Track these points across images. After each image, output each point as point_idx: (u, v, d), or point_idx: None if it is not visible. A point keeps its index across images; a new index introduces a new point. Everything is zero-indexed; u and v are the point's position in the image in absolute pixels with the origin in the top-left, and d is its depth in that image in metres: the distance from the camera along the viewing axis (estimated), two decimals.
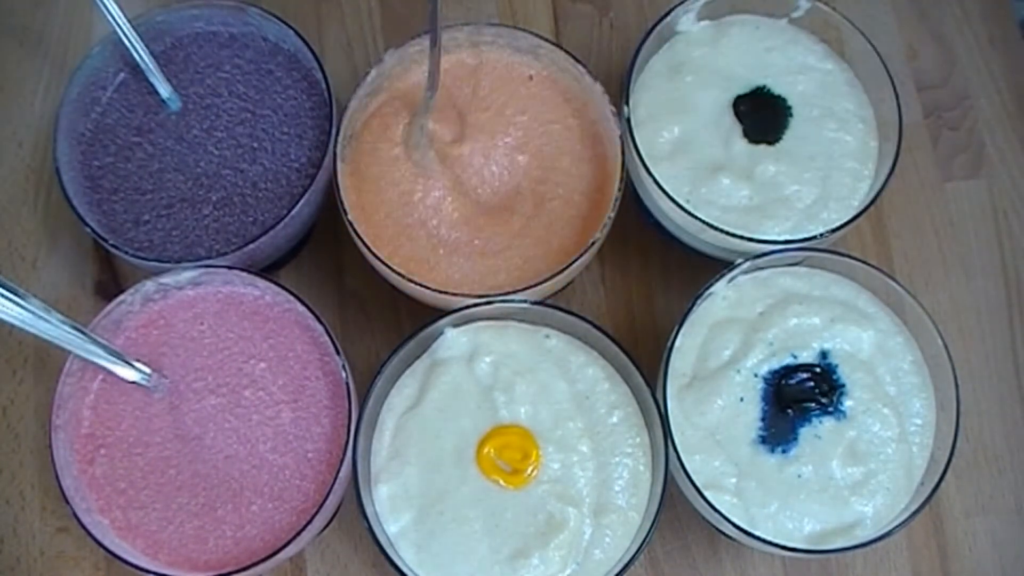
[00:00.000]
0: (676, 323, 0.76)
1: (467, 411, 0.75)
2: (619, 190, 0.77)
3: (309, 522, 0.71)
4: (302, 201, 0.78)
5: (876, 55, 0.82)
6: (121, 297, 0.76)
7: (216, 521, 0.74)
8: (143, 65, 0.82)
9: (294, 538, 0.71)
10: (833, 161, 0.82)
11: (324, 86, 0.83)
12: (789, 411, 0.75)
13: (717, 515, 0.71)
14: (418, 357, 0.78)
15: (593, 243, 0.76)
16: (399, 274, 0.76)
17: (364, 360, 0.87)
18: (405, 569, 0.71)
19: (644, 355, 0.76)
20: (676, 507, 0.83)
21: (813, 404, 0.75)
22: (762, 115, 0.83)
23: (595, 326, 0.76)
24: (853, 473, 0.73)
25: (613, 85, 0.80)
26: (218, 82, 0.85)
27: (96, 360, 0.71)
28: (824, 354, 0.76)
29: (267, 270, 0.86)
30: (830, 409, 0.75)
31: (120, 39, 0.81)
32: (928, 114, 0.96)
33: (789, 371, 0.75)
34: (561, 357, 0.77)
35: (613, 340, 0.75)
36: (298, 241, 0.86)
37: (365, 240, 0.77)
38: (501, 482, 0.73)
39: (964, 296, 0.91)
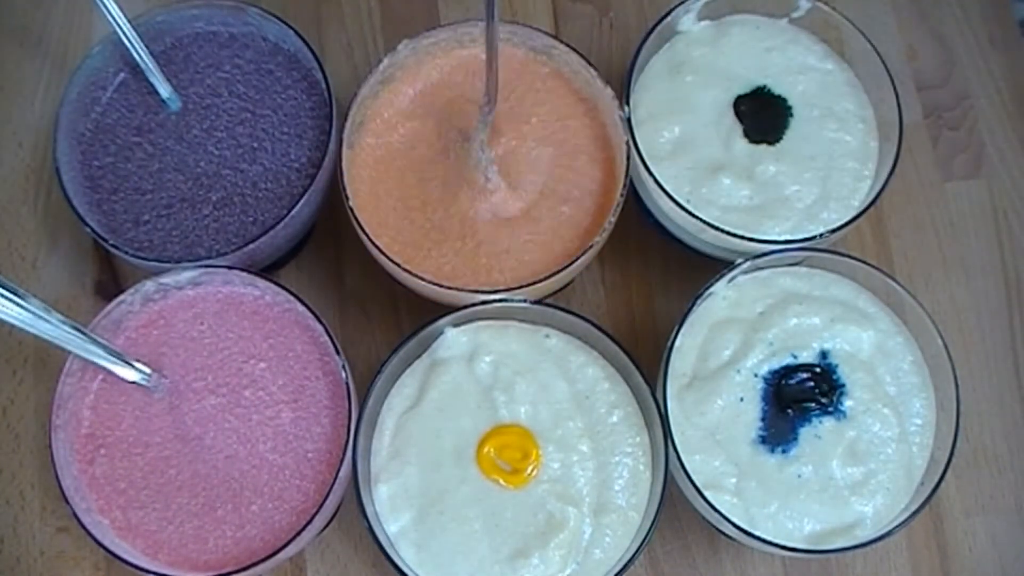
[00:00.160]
0: (676, 323, 0.76)
1: (467, 411, 0.75)
2: (622, 195, 0.77)
3: (309, 522, 0.71)
4: (302, 201, 0.78)
5: (876, 55, 0.82)
6: (121, 297, 0.76)
7: (216, 521, 0.74)
8: (143, 65, 0.82)
9: (294, 538, 0.71)
10: (833, 161, 0.82)
11: (324, 86, 0.83)
12: (789, 411, 0.75)
13: (717, 515, 0.71)
14: (418, 357, 0.78)
15: (592, 246, 0.76)
16: (396, 263, 0.76)
17: (364, 360, 0.87)
18: (405, 569, 0.71)
19: (644, 355, 0.76)
20: (676, 507, 0.83)
21: (813, 404, 0.75)
22: (762, 115, 0.83)
23: (595, 326, 0.76)
24: (853, 473, 0.73)
25: (613, 85, 0.81)
26: (218, 82, 0.85)
27: (96, 360, 0.71)
28: (824, 354, 0.76)
29: (267, 270, 0.86)
30: (830, 409, 0.75)
31: (120, 39, 0.81)
32: (928, 114, 0.96)
33: (789, 371, 0.75)
34: (561, 357, 0.77)
35: (613, 340, 0.75)
36: (298, 241, 0.86)
37: (365, 228, 0.77)
38: (501, 482, 0.73)
39: (964, 296, 0.91)
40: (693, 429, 0.75)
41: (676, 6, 0.84)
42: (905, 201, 0.94)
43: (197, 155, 0.83)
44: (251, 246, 0.77)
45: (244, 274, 0.77)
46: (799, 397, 0.75)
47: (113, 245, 0.79)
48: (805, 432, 0.74)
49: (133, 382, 0.74)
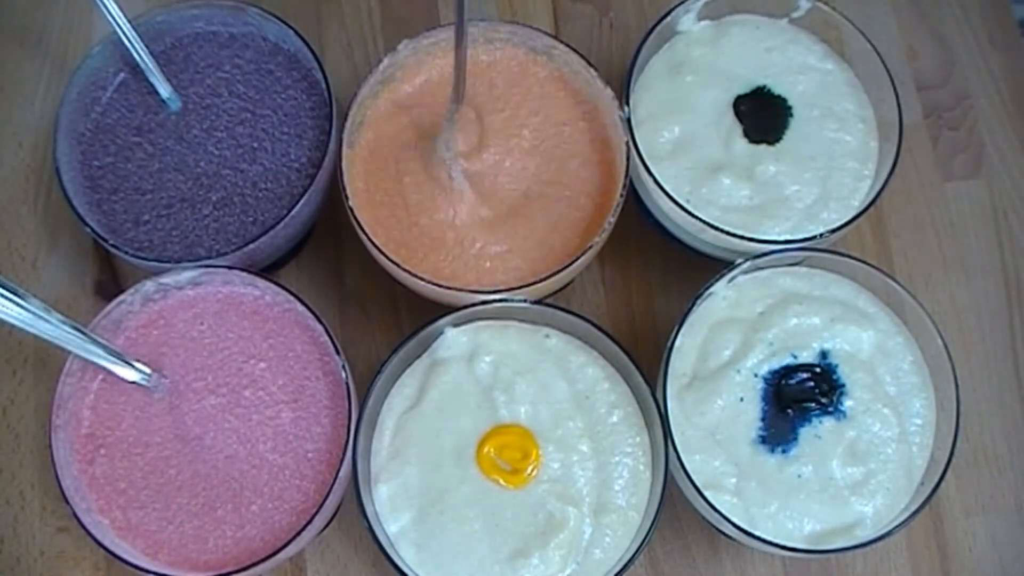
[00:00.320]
0: (676, 323, 0.76)
1: (467, 411, 0.75)
2: (621, 195, 0.77)
3: (309, 522, 0.71)
4: (302, 201, 0.78)
5: (876, 55, 0.82)
6: (121, 297, 0.76)
7: (216, 521, 0.74)
8: (143, 65, 0.82)
9: (294, 538, 0.71)
10: (833, 161, 0.82)
11: (324, 86, 0.83)
12: (789, 411, 0.75)
13: (717, 515, 0.71)
14: (418, 357, 0.78)
15: (592, 246, 0.76)
16: (395, 263, 0.76)
17: (364, 360, 0.87)
18: (405, 569, 0.71)
19: (644, 355, 0.76)
20: (676, 507, 0.83)
21: (813, 404, 0.75)
22: (762, 115, 0.83)
23: (595, 326, 0.76)
24: (853, 473, 0.73)
25: (613, 85, 0.81)
26: (218, 82, 0.85)
27: (96, 360, 0.71)
28: (824, 354, 0.76)
29: (267, 270, 0.86)
30: (830, 409, 0.75)
31: (120, 39, 0.81)
32: (928, 114, 0.96)
33: (789, 371, 0.75)
34: (561, 357, 0.77)
35: (613, 340, 0.75)
36: (298, 241, 0.86)
37: (365, 228, 0.77)
38: (501, 482, 0.73)
39: (964, 296, 0.91)
40: (693, 429, 0.75)
41: (676, 6, 0.84)
42: (905, 201, 0.94)
43: (197, 155, 0.83)
44: (251, 246, 0.77)
45: (244, 274, 0.77)
46: (799, 397, 0.75)
47: (113, 245, 0.79)
48: (805, 432, 0.74)
49: (133, 382, 0.74)
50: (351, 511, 0.74)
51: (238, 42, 0.87)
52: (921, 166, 0.95)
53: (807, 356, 0.76)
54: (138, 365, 0.74)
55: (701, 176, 0.82)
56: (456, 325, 0.77)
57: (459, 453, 0.74)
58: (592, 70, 0.81)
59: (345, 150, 0.80)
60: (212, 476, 0.74)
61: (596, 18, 0.99)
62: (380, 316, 0.90)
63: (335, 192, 0.80)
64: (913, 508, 0.72)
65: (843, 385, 0.75)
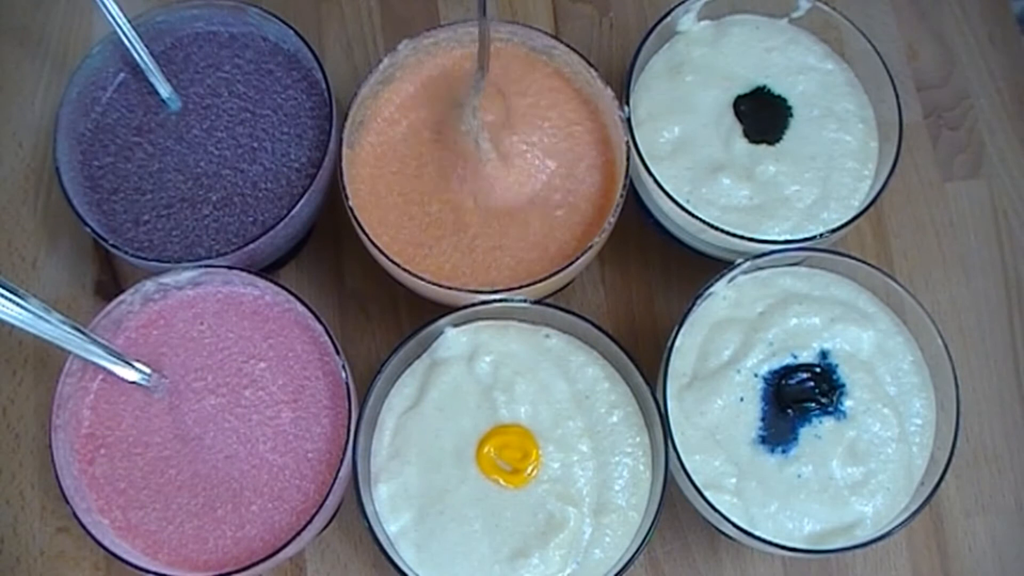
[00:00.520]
0: (676, 323, 0.76)
1: (467, 411, 0.75)
2: (621, 196, 0.77)
3: (309, 522, 0.71)
4: (302, 201, 0.78)
5: (876, 55, 0.82)
6: (121, 297, 0.76)
7: (216, 521, 0.74)
8: (143, 65, 0.82)
9: (294, 538, 0.71)
10: (833, 161, 0.82)
11: (324, 86, 0.83)
12: (789, 411, 0.75)
13: (717, 515, 0.71)
14: (418, 357, 0.78)
15: (592, 246, 0.76)
16: (395, 263, 0.76)
17: (364, 360, 0.87)
18: (405, 569, 0.71)
19: (644, 355, 0.76)
20: (676, 507, 0.83)
21: (813, 404, 0.75)
22: (762, 115, 0.83)
23: (595, 326, 0.76)
24: (853, 473, 0.73)
25: (613, 85, 0.81)
26: (218, 82, 0.85)
27: (96, 360, 0.71)
28: (824, 354, 0.76)
29: (267, 270, 0.86)
30: (830, 409, 0.75)
31: (120, 39, 0.81)
32: (928, 114, 0.96)
33: (789, 371, 0.75)
34: (561, 357, 0.77)
35: (613, 340, 0.75)
36: (298, 241, 0.86)
37: (365, 228, 0.77)
38: (501, 482, 0.73)
39: (964, 296, 0.91)
40: (693, 429, 0.75)
41: (676, 6, 0.84)
42: (905, 201, 0.94)
43: (197, 155, 0.83)
44: (251, 246, 0.77)
45: (244, 274, 0.77)
46: (799, 397, 0.75)
47: (113, 245, 0.79)
48: (805, 432, 0.74)
49: (133, 382, 0.74)
50: (351, 511, 0.74)
51: (238, 42, 0.87)
52: (921, 166, 0.95)
53: (807, 356, 0.76)
54: (138, 365, 0.74)
55: (701, 176, 0.82)
56: (456, 325, 0.77)
57: (459, 453, 0.74)
58: (592, 70, 0.81)
59: (345, 150, 0.80)
60: (212, 476, 0.74)
61: (596, 18, 0.99)
62: (380, 316, 0.90)
63: (335, 192, 0.80)
64: (913, 508, 0.72)
65: (843, 385, 0.75)
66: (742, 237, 0.77)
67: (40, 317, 0.65)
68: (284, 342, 0.77)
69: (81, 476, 0.75)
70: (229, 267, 0.77)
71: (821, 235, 0.79)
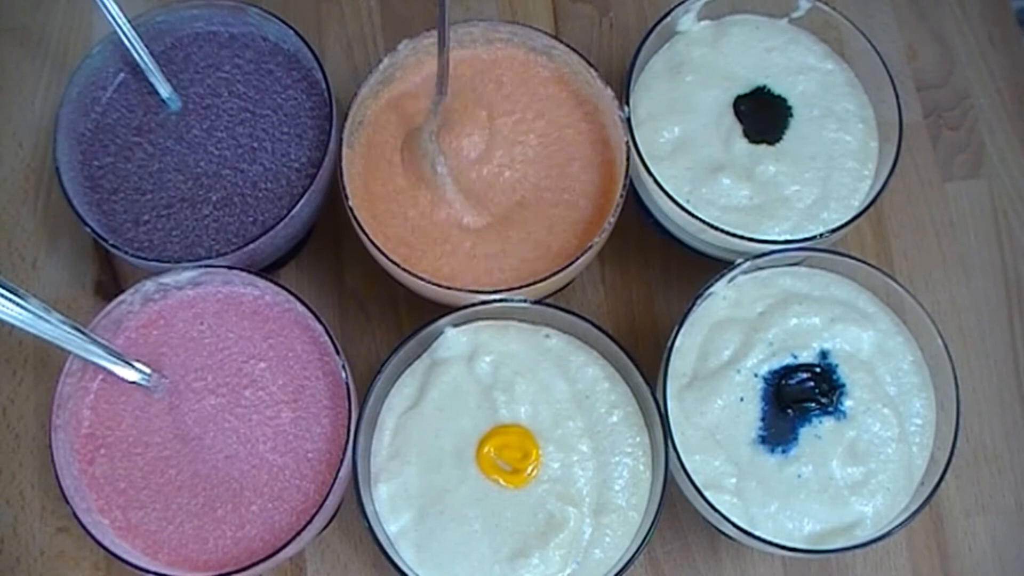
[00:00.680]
0: (676, 323, 0.76)
1: (467, 411, 0.75)
2: (621, 195, 0.77)
3: (309, 522, 0.71)
4: (302, 201, 0.78)
5: (876, 55, 0.82)
6: (121, 297, 0.76)
7: (216, 521, 0.74)
8: (143, 65, 0.82)
9: (294, 538, 0.71)
10: (833, 161, 0.82)
11: (324, 86, 0.83)
12: (789, 411, 0.75)
13: (717, 515, 0.71)
14: (418, 357, 0.78)
15: (592, 246, 0.76)
16: (395, 263, 0.76)
17: (364, 360, 0.87)
18: (405, 569, 0.71)
19: (644, 355, 0.76)
20: (676, 507, 0.83)
21: (813, 404, 0.75)
22: (762, 115, 0.83)
23: (595, 326, 0.76)
24: (853, 473, 0.73)
25: (613, 85, 0.81)
26: (218, 82, 0.85)
27: (96, 360, 0.71)
28: (824, 354, 0.76)
29: (267, 270, 0.86)
30: (830, 409, 0.75)
31: (120, 39, 0.81)
32: (928, 114, 0.96)
33: (789, 371, 0.75)
34: (561, 357, 0.77)
35: (613, 340, 0.75)
36: (298, 241, 0.86)
37: (365, 228, 0.77)
38: (501, 482, 0.73)
39: (964, 296, 0.91)
40: (693, 429, 0.75)
41: (676, 6, 0.84)
42: (905, 201, 0.94)
43: (197, 155, 0.83)
44: (251, 246, 0.77)
45: (244, 274, 0.77)
46: (799, 397, 0.75)
47: (113, 245, 0.79)
48: (805, 432, 0.74)
49: (133, 382, 0.74)
50: (351, 511, 0.74)
51: (238, 42, 0.87)
52: (921, 166, 0.95)
53: (807, 356, 0.76)
54: (138, 365, 0.74)
55: (701, 176, 0.82)
56: (456, 325, 0.77)
57: (459, 453, 0.74)
58: (592, 70, 0.81)
59: (345, 150, 0.80)
60: (212, 476, 0.74)
61: (596, 18, 0.99)
62: (380, 316, 0.90)
63: (335, 192, 0.80)
64: (913, 508, 0.72)
65: (843, 385, 0.75)
66: (742, 237, 0.77)
67: (40, 317, 0.65)
68: (284, 342, 0.77)
69: (81, 476, 0.75)
70: (229, 267, 0.77)
71: (821, 235, 0.78)
